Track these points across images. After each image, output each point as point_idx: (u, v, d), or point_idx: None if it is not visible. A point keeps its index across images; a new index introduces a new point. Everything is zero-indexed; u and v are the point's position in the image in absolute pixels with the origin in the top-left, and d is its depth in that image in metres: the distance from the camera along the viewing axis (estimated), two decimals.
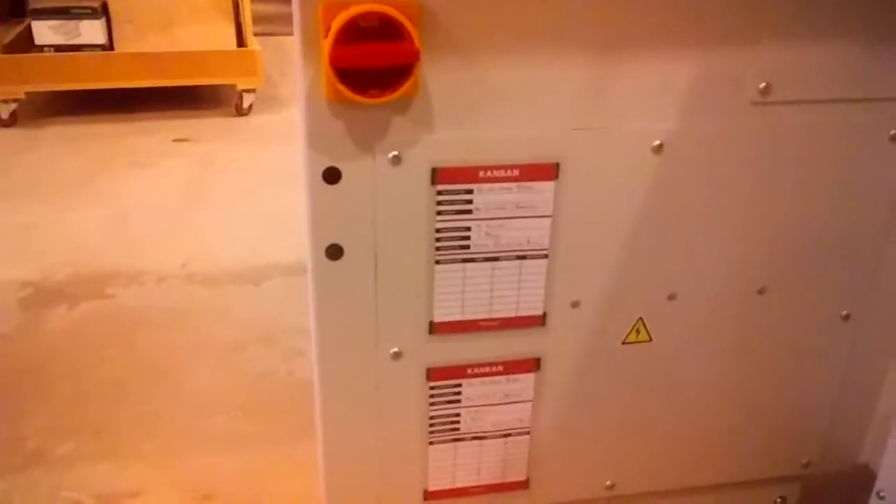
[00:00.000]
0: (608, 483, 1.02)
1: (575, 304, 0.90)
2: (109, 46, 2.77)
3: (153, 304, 1.79)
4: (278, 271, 1.93)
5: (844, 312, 0.97)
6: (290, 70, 3.53)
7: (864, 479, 1.08)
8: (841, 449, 1.07)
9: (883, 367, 1.02)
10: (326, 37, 0.71)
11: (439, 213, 0.83)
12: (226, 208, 2.26)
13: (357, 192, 0.80)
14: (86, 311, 1.77)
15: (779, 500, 1.11)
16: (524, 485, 0.99)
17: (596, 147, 0.83)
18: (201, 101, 3.08)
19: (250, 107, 2.98)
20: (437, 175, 0.81)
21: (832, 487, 1.12)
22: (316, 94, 0.76)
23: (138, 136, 2.75)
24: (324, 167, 0.79)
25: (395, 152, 0.79)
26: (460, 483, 0.97)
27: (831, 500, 1.16)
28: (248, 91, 2.94)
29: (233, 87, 2.95)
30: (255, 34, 3.01)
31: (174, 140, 2.73)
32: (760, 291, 0.93)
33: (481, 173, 0.82)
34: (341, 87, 0.72)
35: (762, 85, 0.83)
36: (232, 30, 2.88)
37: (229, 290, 1.86)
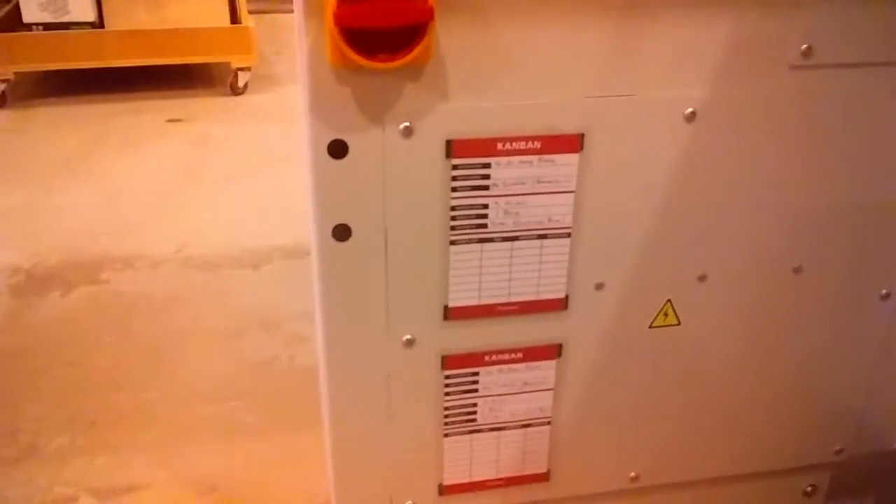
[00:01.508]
0: (632, 474, 0.96)
1: (599, 287, 0.84)
2: (100, 24, 2.70)
3: (148, 290, 1.74)
4: (277, 254, 1.87)
5: (884, 291, 0.91)
6: (286, 48, 3.46)
7: None
8: (875, 435, 1.02)
9: None
10: None
11: (454, 189, 0.76)
12: (222, 190, 2.20)
13: (365, 166, 0.74)
14: (79, 298, 1.71)
15: (809, 488, 1.05)
16: (544, 477, 0.94)
17: (623, 116, 0.76)
18: (195, 81, 3.01)
19: (245, 86, 2.90)
20: (451, 148, 0.75)
21: (864, 475, 1.07)
22: (319, 58, 0.69)
23: (130, 117, 2.68)
24: (329, 140, 0.73)
25: (407, 123, 0.73)
26: (477, 476, 0.92)
27: (863, 488, 1.11)
28: (242, 69, 2.87)
29: (227, 65, 2.87)
30: (250, 12, 2.93)
31: (167, 120, 2.66)
32: (796, 270, 0.87)
33: (500, 146, 0.75)
34: (347, 51, 0.66)
35: (803, 47, 0.77)
36: (225, 6, 2.80)
37: (227, 275, 1.80)
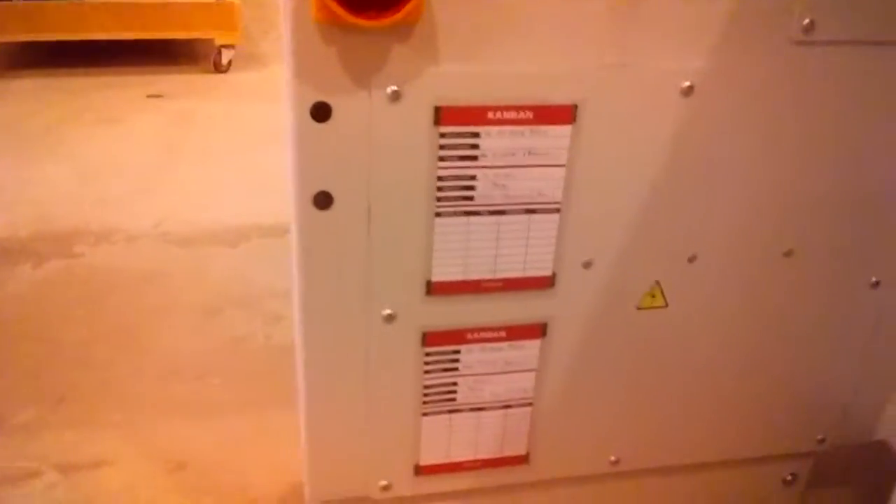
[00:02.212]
0: (613, 458, 0.94)
1: (587, 265, 0.82)
2: None
3: (124, 264, 1.70)
4: (256, 232, 1.83)
5: (874, 279, 0.90)
6: (272, 27, 3.40)
7: (881, 456, 1.02)
8: (858, 424, 1.00)
9: None
10: None
11: (441, 158, 0.74)
12: (202, 167, 2.16)
13: (349, 131, 0.71)
14: (52, 271, 1.66)
15: (789, 477, 1.04)
16: (524, 459, 0.92)
17: (618, 87, 0.74)
18: (178, 57, 2.96)
19: (229, 63, 2.86)
20: (440, 114, 0.72)
21: (845, 464, 1.06)
22: (304, 15, 0.66)
23: (110, 91, 2.63)
24: (312, 102, 0.70)
25: (394, 87, 0.70)
26: (455, 457, 0.90)
27: (842, 479, 1.10)
28: (226, 47, 2.82)
29: (211, 42, 2.82)
30: None
31: (148, 96, 2.62)
32: (787, 254, 0.86)
33: (490, 114, 0.73)
34: (334, 6, 0.63)
35: (806, 21, 0.74)
36: None
37: (205, 251, 1.76)
